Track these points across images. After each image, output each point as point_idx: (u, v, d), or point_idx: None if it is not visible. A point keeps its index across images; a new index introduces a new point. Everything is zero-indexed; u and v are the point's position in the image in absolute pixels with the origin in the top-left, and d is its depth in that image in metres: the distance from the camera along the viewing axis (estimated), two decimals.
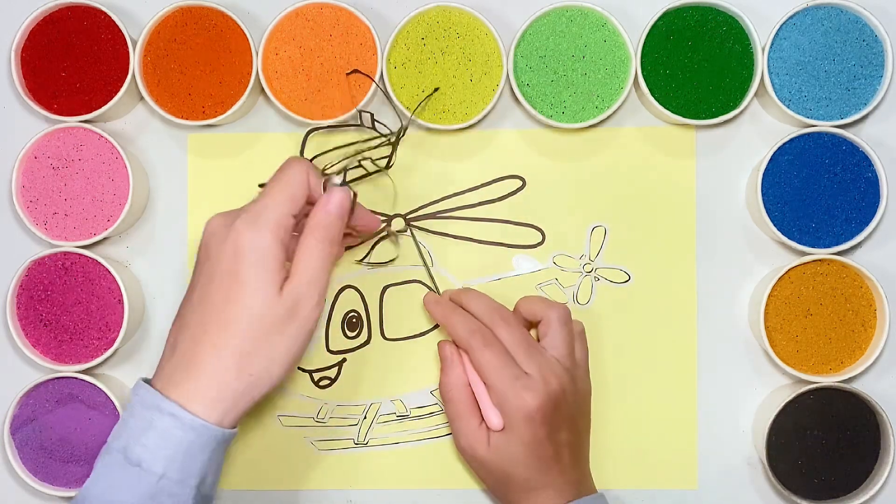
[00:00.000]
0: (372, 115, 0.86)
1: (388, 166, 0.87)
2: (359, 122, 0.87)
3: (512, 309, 0.86)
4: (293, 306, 0.73)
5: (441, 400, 0.85)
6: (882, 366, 0.89)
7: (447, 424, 0.90)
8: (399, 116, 0.87)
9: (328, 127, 0.87)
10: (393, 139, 0.86)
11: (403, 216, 0.90)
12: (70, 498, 0.88)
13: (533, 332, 0.86)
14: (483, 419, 0.82)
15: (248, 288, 0.72)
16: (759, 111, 0.90)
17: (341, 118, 0.87)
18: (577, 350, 0.84)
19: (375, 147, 0.86)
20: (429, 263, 0.89)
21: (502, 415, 0.80)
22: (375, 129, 0.87)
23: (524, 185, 0.90)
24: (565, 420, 0.81)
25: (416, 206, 0.90)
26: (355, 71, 0.85)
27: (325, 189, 0.76)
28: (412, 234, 0.89)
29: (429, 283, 0.89)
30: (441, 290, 0.88)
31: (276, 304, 0.72)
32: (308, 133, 0.86)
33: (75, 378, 0.87)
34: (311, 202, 0.77)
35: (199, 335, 0.73)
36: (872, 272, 0.86)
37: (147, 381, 0.75)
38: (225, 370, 0.72)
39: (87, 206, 0.88)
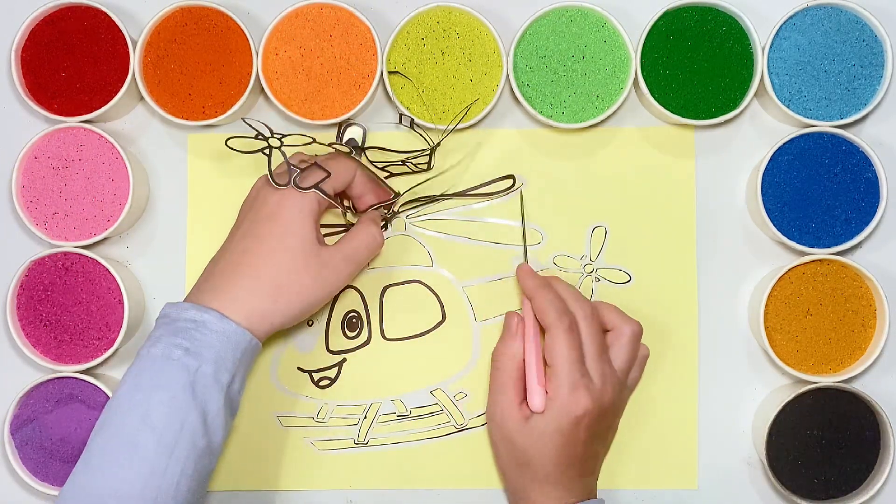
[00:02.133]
0: (412, 118, 0.87)
1: (428, 167, 0.89)
2: (397, 122, 0.88)
3: None
4: (329, 261, 0.82)
5: (491, 365, 0.86)
6: (882, 366, 0.89)
7: (447, 424, 0.90)
8: (397, 116, 0.88)
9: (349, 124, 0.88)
10: (434, 145, 0.88)
11: (403, 214, 0.91)
12: None
13: None
14: (524, 399, 0.82)
15: (287, 229, 0.80)
16: (759, 111, 0.90)
17: (361, 118, 0.87)
18: (633, 371, 0.85)
19: (418, 154, 0.88)
20: (526, 231, 0.90)
21: (551, 404, 0.80)
22: (418, 132, 0.88)
23: (524, 185, 0.90)
24: (602, 431, 0.83)
25: (416, 206, 0.90)
26: (396, 72, 0.86)
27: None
28: (519, 195, 0.90)
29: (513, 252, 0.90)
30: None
31: (312, 251, 0.81)
32: (341, 125, 0.87)
33: (75, 378, 0.87)
34: (351, 193, 0.86)
35: (238, 262, 0.80)
36: (872, 272, 0.86)
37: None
38: (259, 292, 0.79)
39: (87, 206, 0.88)
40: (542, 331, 0.83)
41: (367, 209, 0.87)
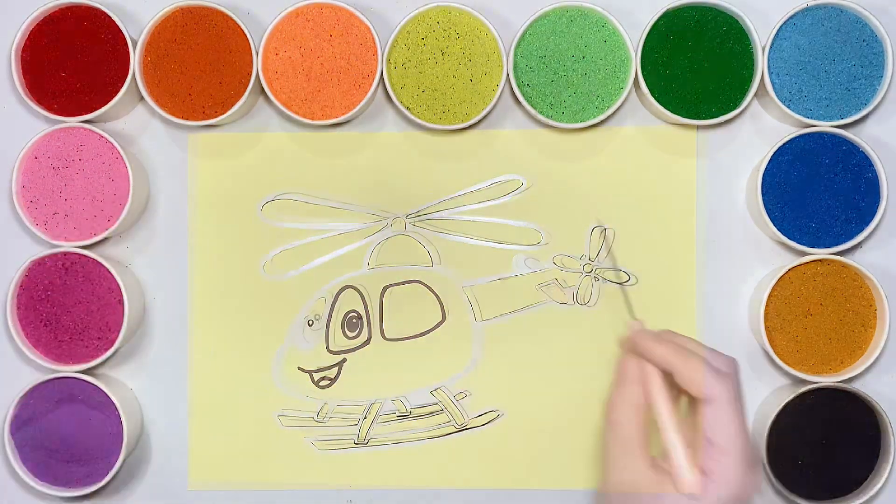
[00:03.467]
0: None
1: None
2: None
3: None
4: None
5: (604, 422, 0.72)
6: (882, 366, 0.89)
7: (448, 424, 0.90)
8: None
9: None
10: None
11: (403, 214, 0.91)
12: (71, 498, 0.88)
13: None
14: (652, 462, 0.69)
15: None
16: (759, 111, 0.90)
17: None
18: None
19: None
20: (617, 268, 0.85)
21: (716, 487, 0.66)
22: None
23: (524, 185, 0.90)
24: None
25: (417, 207, 0.90)
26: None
27: None
28: (604, 233, 0.85)
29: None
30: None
31: None
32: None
33: (75, 378, 0.87)
34: None
35: None
36: (872, 272, 0.86)
37: None
38: None
39: (87, 206, 0.88)
40: (672, 389, 0.71)
41: None
